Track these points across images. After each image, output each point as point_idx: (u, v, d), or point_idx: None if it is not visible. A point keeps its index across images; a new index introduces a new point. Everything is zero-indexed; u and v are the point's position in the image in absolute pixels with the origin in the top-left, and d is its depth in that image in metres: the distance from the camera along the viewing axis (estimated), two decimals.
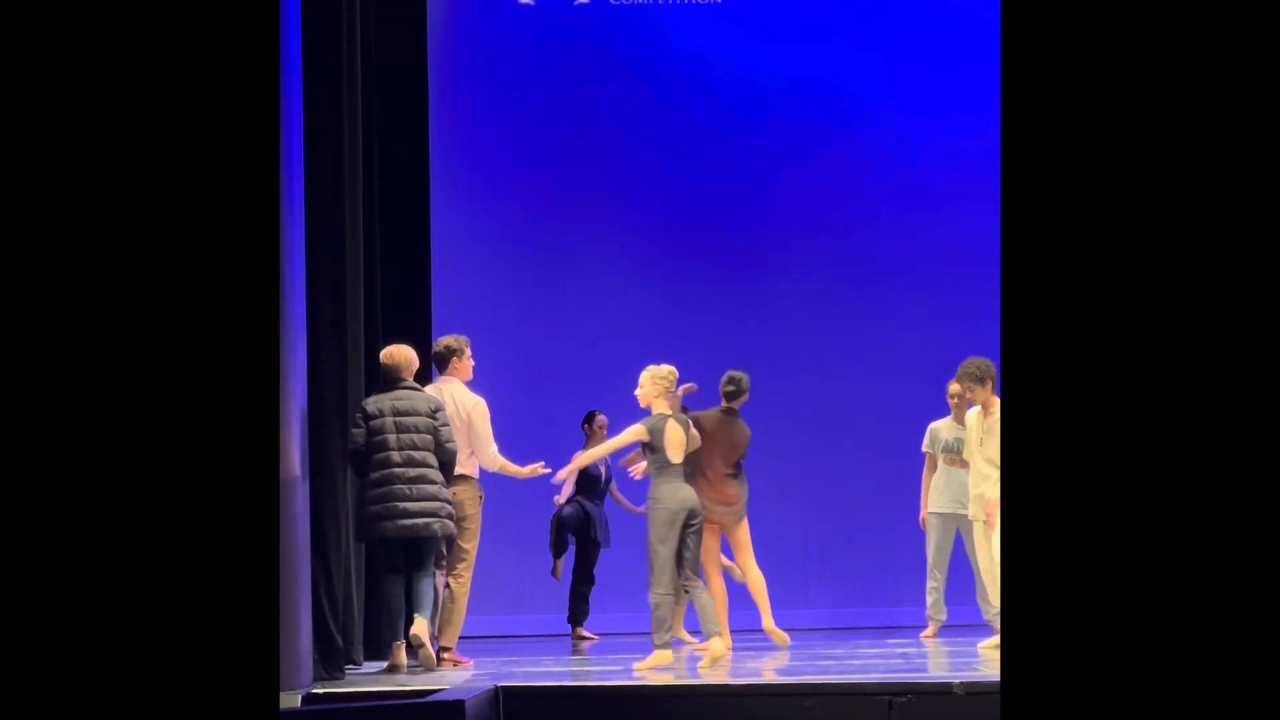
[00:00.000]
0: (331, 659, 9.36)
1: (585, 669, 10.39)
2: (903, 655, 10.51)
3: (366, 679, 9.45)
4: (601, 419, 12.53)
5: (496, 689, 8.36)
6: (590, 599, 12.61)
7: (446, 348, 10.66)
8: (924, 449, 11.93)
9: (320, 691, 8.70)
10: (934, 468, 11.85)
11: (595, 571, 12.57)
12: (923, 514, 11.87)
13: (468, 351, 10.64)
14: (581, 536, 12.48)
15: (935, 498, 11.84)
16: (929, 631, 11.86)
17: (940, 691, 8.15)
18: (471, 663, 10.25)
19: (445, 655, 10.14)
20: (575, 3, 13.96)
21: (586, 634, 12.48)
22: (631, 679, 9.26)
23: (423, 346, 11.02)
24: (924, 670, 9.66)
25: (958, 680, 8.22)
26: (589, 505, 12.48)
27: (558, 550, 12.49)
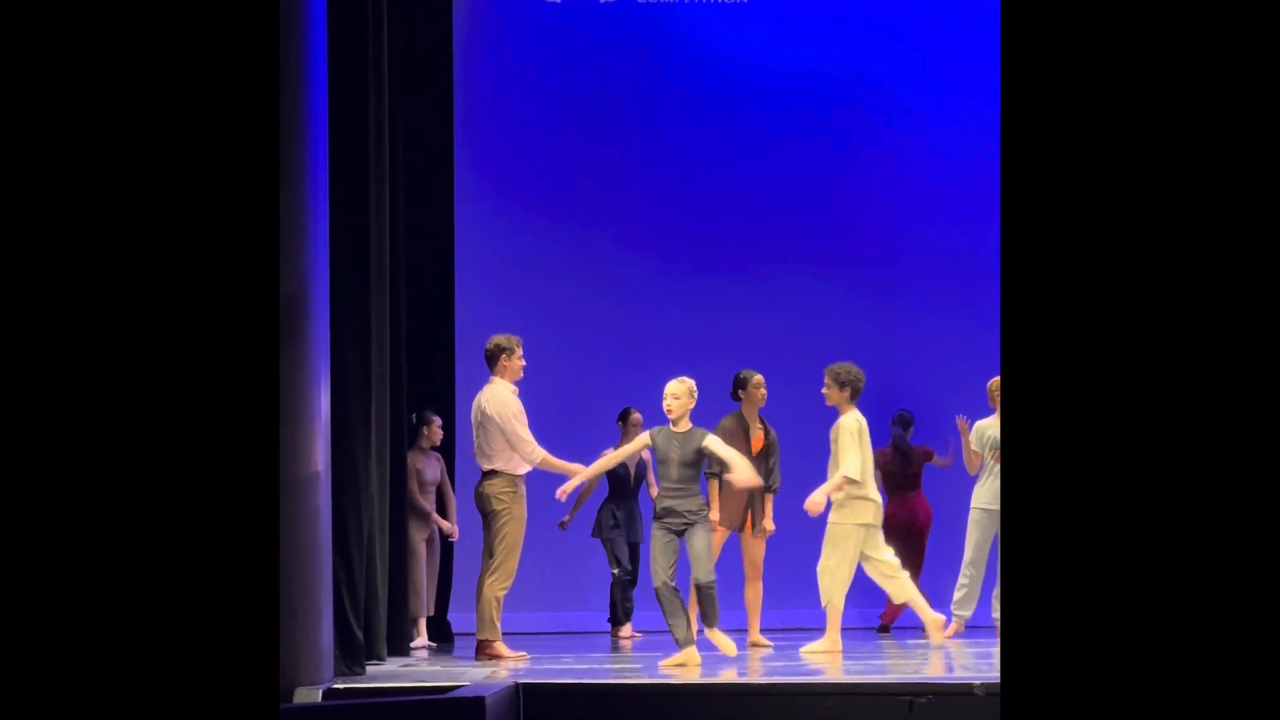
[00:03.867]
0: (352, 654, 9.38)
1: (605, 666, 10.40)
2: (924, 655, 10.50)
3: (387, 674, 9.47)
4: (636, 416, 12.57)
5: (516, 686, 8.38)
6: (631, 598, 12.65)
7: (497, 346, 10.76)
8: (972, 447, 11.97)
9: (341, 687, 8.72)
10: (978, 465, 11.96)
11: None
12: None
13: (517, 351, 10.74)
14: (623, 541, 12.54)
15: (981, 494, 11.91)
16: (950, 629, 11.84)
17: (961, 692, 8.14)
18: (525, 655, 10.49)
19: (485, 650, 10.48)
20: (601, 1, 13.97)
21: (629, 632, 12.52)
22: (652, 676, 9.26)
23: (446, 346, 11.06)
24: (945, 670, 9.65)
25: (979, 681, 8.22)
26: (621, 509, 12.51)
27: (617, 561, 12.58)
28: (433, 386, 12.34)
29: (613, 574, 12.60)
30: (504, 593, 10.55)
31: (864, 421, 10.77)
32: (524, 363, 10.80)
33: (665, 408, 10.03)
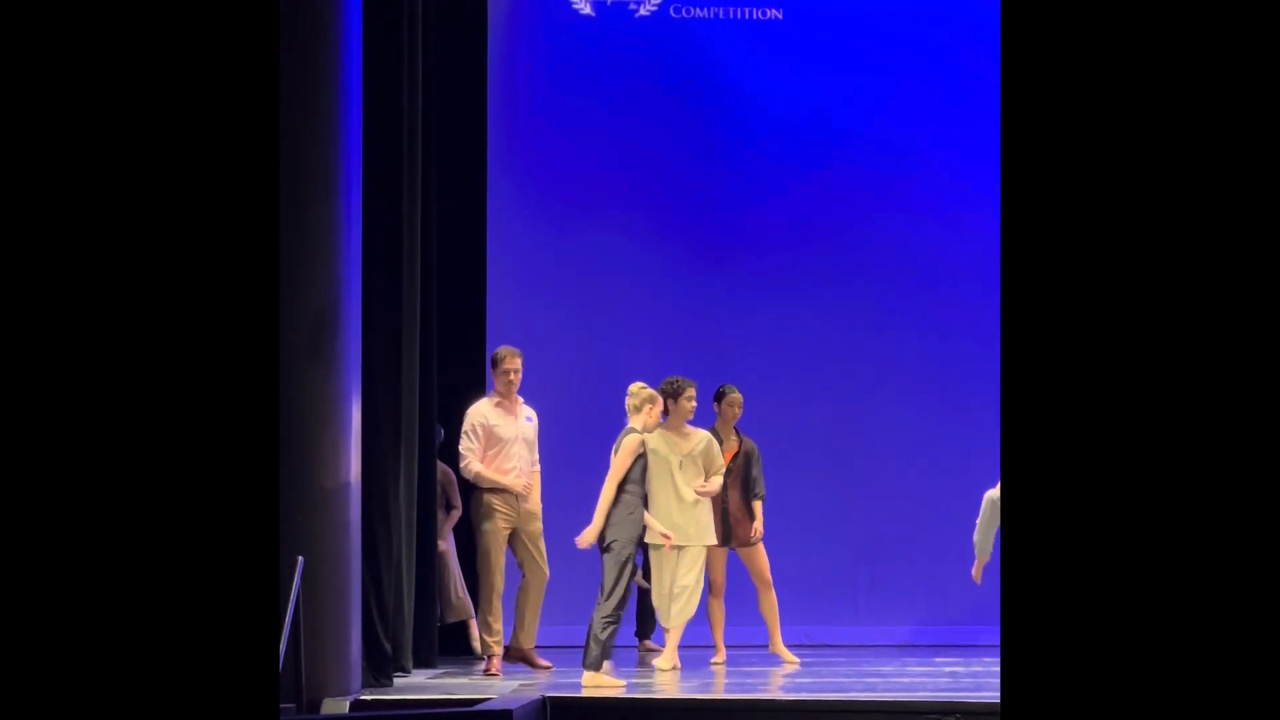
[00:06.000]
0: (380, 666, 9.39)
1: (632, 680, 10.40)
2: (950, 674, 10.48)
3: (415, 686, 9.49)
4: None
5: (544, 699, 8.39)
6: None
7: (491, 358, 10.81)
8: None
9: (368, 698, 8.74)
10: None
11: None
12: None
13: (504, 364, 10.59)
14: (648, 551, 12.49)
15: None
16: None
17: (987, 712, 8.13)
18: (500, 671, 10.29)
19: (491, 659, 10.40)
20: (636, 16, 13.99)
21: (655, 646, 12.47)
22: (679, 691, 9.26)
23: (477, 357, 11.06)
24: (971, 690, 9.62)
25: None
26: None
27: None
28: (464, 397, 12.34)
29: (640, 586, 12.56)
30: (486, 609, 10.44)
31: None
32: (512, 378, 10.57)
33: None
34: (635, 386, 10.16)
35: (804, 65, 14.08)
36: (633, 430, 9.93)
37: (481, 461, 10.44)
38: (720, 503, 11.15)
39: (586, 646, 9.50)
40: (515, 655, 10.54)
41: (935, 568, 13.43)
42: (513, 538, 10.51)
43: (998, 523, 11.31)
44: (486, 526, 10.44)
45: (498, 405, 10.61)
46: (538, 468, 10.78)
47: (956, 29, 14.12)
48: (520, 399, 10.74)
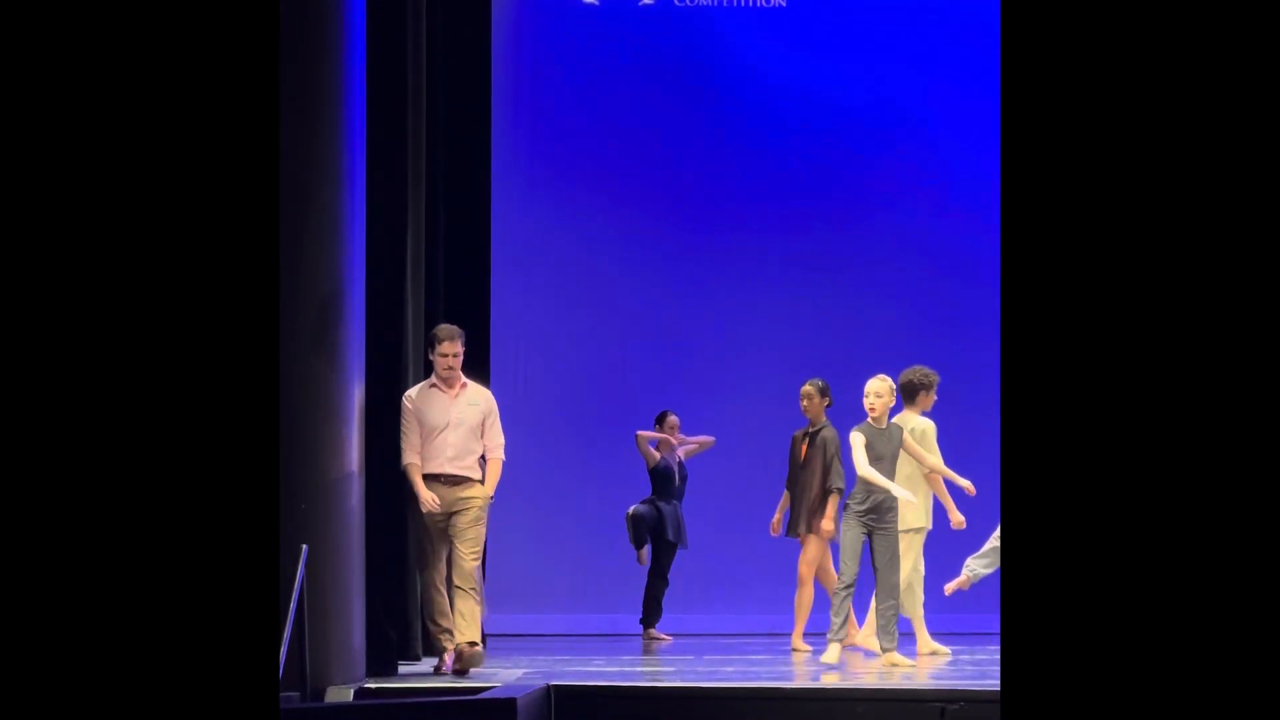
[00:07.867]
0: (384, 654, 9.39)
1: (637, 669, 10.40)
2: (955, 662, 10.48)
3: (420, 674, 9.49)
4: (673, 419, 12.56)
5: (548, 687, 8.38)
6: (664, 600, 12.62)
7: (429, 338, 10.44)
8: None
9: (372, 686, 8.75)
10: None
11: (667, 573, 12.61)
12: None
13: (436, 346, 9.81)
14: (655, 537, 12.48)
15: None
16: None
17: (992, 699, 8.12)
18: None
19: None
20: (640, 4, 13.99)
21: (660, 635, 12.47)
22: (684, 680, 9.25)
23: (481, 347, 11.08)
24: (977, 678, 9.62)
25: None
26: (663, 505, 12.47)
27: (639, 543, 12.51)
28: None
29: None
30: (429, 605, 9.83)
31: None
32: (451, 362, 9.74)
33: (868, 405, 10.38)
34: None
35: (807, 52, 14.09)
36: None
37: (418, 450, 9.76)
38: (805, 492, 11.30)
39: (880, 630, 10.22)
40: (461, 664, 9.50)
41: (938, 558, 13.43)
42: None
43: (995, 566, 11.36)
44: (417, 518, 9.76)
45: (431, 388, 9.82)
46: (499, 454, 9.85)
47: (961, 15, 14.13)
48: (468, 384, 9.87)
